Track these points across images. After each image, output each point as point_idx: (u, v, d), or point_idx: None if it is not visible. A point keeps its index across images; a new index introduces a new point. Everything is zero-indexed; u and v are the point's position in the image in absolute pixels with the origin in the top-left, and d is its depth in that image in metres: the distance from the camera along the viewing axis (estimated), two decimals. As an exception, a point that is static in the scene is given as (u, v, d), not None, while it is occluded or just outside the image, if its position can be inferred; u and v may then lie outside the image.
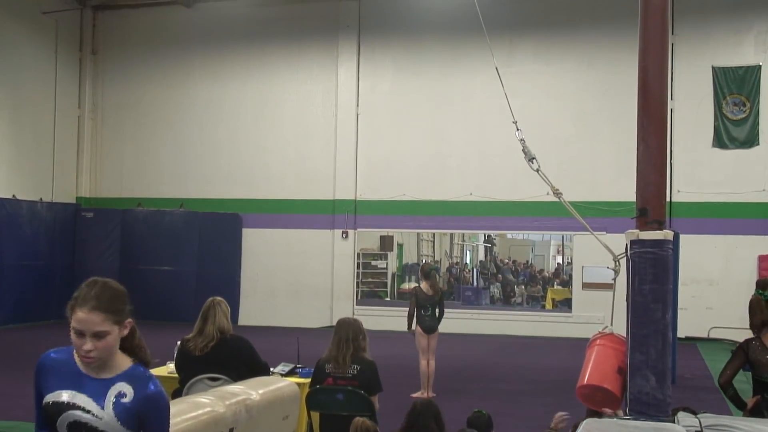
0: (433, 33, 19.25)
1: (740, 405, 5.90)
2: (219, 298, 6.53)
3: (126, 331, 3.07)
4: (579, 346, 7.82)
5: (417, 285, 11.75)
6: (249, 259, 20.15)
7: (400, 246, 21.59)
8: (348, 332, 6.33)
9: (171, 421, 4.25)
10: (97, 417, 2.90)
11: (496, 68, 8.24)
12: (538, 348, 16.29)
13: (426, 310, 10.88)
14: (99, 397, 2.91)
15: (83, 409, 2.91)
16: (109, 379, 2.93)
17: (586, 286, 18.04)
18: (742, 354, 5.94)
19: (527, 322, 18.67)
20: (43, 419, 3.02)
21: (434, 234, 21.25)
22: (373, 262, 20.84)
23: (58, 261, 19.78)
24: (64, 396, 2.93)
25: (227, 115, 20.54)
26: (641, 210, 5.68)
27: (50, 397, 2.95)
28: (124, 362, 3.00)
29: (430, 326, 10.88)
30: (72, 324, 2.92)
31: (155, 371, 7.40)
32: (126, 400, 2.91)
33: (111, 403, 2.90)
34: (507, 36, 18.29)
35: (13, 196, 18.86)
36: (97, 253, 20.20)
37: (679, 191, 17.42)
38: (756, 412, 5.76)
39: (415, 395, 10.22)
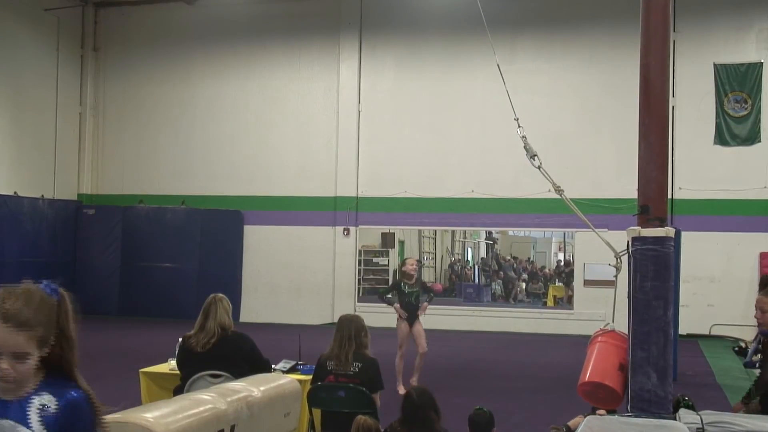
0: (434, 30, 19.23)
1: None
2: (220, 295, 6.54)
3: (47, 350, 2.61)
4: (580, 343, 7.83)
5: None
6: (250, 256, 20.15)
7: (402, 243, 21.61)
8: (350, 329, 6.34)
9: (173, 418, 4.27)
10: None
11: (498, 65, 8.24)
12: (540, 345, 16.29)
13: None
14: (20, 416, 2.56)
15: None
16: (28, 396, 2.58)
17: (588, 283, 18.03)
18: None
19: (529, 319, 18.66)
20: None
21: (435, 231, 21.27)
22: (375, 259, 20.87)
23: (59, 258, 19.80)
24: None
25: (229, 112, 20.54)
26: (643, 207, 5.69)
27: None
28: (38, 373, 2.61)
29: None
30: None
31: (157, 368, 7.43)
32: (50, 411, 2.57)
33: (36, 420, 2.56)
34: (508, 33, 18.27)
35: (15, 192, 18.87)
36: (99, 250, 20.22)
37: (680, 188, 17.41)
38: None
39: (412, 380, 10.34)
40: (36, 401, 2.57)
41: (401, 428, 5.17)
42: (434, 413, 5.16)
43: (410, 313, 10.80)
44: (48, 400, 2.57)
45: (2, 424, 2.57)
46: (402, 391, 9.88)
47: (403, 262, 11.39)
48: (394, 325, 10.96)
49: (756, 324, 6.20)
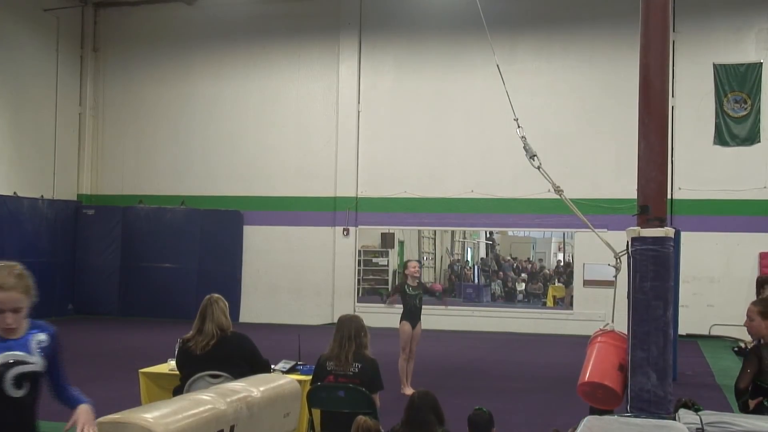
0: (434, 30, 19.24)
1: (746, 410, 5.91)
2: (216, 296, 6.51)
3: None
4: (580, 343, 7.83)
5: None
6: (250, 256, 20.15)
7: (401, 243, 21.59)
8: (350, 330, 6.34)
9: (173, 418, 4.34)
10: (31, 363, 3.83)
11: (498, 65, 8.25)
12: (539, 345, 16.30)
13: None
14: (26, 349, 3.83)
15: (21, 363, 3.79)
16: (25, 336, 3.86)
17: (587, 283, 18.04)
18: (756, 359, 5.92)
19: (528, 319, 18.67)
20: None
21: (435, 231, 21.26)
22: (374, 260, 20.84)
23: (59, 258, 19.80)
24: (2, 359, 3.77)
25: (228, 112, 20.55)
26: (642, 207, 5.69)
27: None
28: (25, 321, 3.86)
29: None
30: None
31: (157, 368, 7.45)
32: (45, 344, 3.90)
33: (36, 350, 3.87)
34: (508, 33, 18.27)
35: (15, 193, 18.87)
36: (99, 250, 20.22)
37: (680, 188, 17.41)
38: (758, 413, 5.76)
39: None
40: (34, 338, 3.87)
41: (402, 430, 5.17)
42: (434, 417, 5.15)
43: (414, 316, 10.80)
44: (41, 336, 3.90)
45: (15, 354, 3.78)
46: (409, 392, 9.87)
47: (405, 265, 11.36)
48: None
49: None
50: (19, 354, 3.80)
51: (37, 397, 3.91)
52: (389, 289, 19.50)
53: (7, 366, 3.76)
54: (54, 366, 3.97)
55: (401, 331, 10.76)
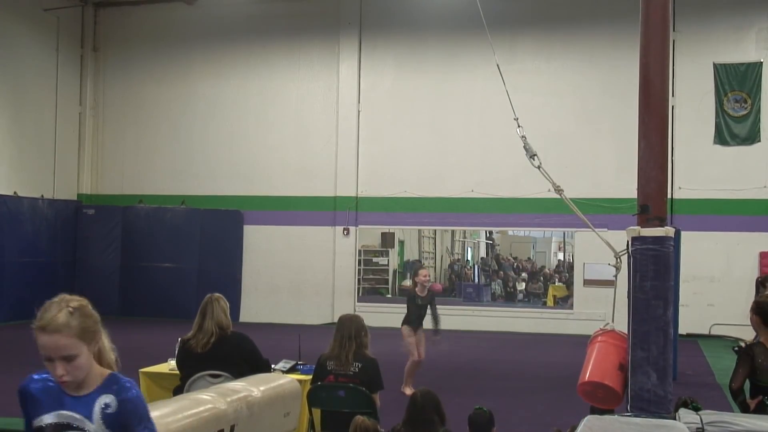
0: (434, 30, 19.23)
1: (746, 409, 5.92)
2: (217, 295, 6.52)
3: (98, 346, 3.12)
4: (580, 343, 7.83)
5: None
6: (250, 256, 20.15)
7: (402, 243, 21.58)
8: (350, 329, 6.34)
9: (173, 418, 4.30)
10: (87, 430, 3.03)
11: (498, 65, 8.25)
12: (540, 345, 16.30)
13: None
14: (85, 412, 3.03)
15: (75, 428, 3.03)
16: (92, 393, 3.05)
17: (588, 282, 18.03)
18: (748, 358, 5.94)
19: (528, 319, 18.67)
20: None
21: (435, 231, 21.24)
22: (375, 259, 20.83)
23: (59, 258, 19.80)
24: (54, 418, 3.06)
25: (228, 111, 20.54)
26: (642, 207, 5.69)
27: (40, 422, 3.09)
28: (100, 372, 3.09)
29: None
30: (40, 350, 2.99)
31: (157, 368, 7.44)
32: (111, 410, 3.02)
33: (99, 416, 3.02)
34: (508, 33, 18.27)
35: (15, 193, 18.86)
36: (99, 250, 20.21)
37: (680, 188, 17.41)
38: (759, 412, 5.76)
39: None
40: (100, 399, 3.03)
41: (404, 429, 5.17)
42: (437, 416, 5.16)
43: (419, 321, 10.83)
44: (109, 399, 3.03)
45: (68, 416, 3.03)
46: (408, 392, 9.87)
47: (415, 272, 11.33)
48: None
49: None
50: (72, 416, 3.03)
51: None
52: (389, 289, 19.57)
53: (57, 428, 3.05)
54: None
55: (404, 335, 10.74)
